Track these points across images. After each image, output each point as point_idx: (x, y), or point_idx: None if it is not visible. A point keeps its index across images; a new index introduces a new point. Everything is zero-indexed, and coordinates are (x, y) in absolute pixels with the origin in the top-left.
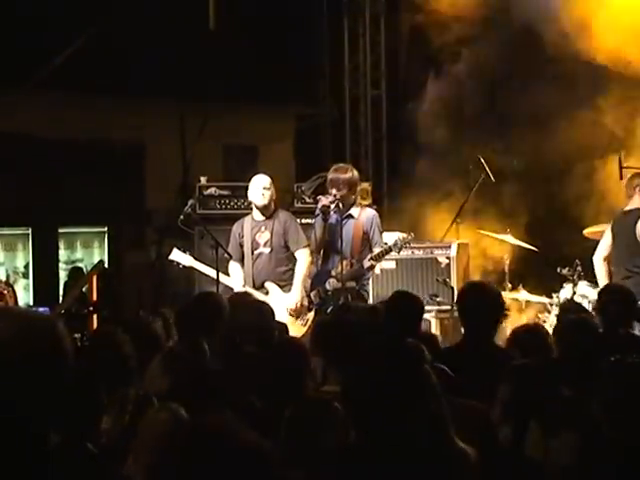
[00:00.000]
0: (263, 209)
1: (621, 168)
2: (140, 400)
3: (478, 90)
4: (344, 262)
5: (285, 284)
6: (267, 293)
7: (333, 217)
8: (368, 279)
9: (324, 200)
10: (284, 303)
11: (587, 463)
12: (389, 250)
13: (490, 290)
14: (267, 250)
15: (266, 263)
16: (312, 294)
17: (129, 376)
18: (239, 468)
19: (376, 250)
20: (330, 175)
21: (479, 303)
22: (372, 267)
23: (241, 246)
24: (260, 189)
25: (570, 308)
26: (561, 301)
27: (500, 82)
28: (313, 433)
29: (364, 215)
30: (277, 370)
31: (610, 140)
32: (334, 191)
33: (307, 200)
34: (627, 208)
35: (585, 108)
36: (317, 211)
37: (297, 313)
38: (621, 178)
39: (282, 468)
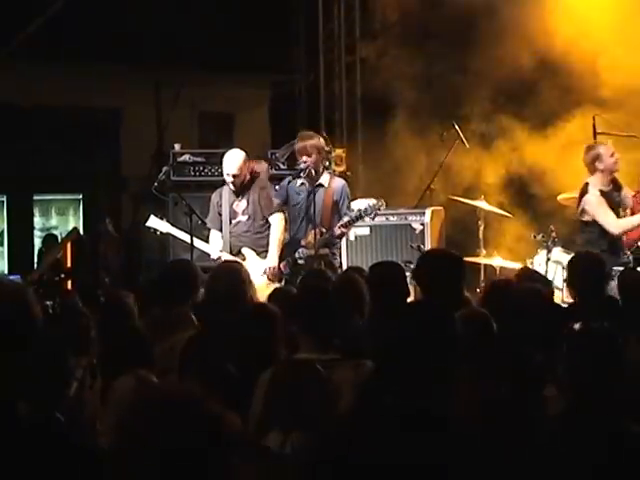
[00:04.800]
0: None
1: (595, 134)
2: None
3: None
4: (314, 231)
5: (262, 250)
6: (244, 259)
7: (302, 186)
8: (339, 247)
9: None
10: (261, 268)
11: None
12: (359, 217)
13: (449, 257)
14: (245, 218)
15: (244, 231)
16: (282, 264)
17: (90, 345)
18: (199, 435)
19: (345, 218)
20: (297, 144)
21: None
22: (342, 235)
23: (220, 215)
24: (228, 176)
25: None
26: (534, 267)
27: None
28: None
29: (334, 184)
30: (247, 336)
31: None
32: (305, 158)
33: (281, 167)
34: None
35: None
36: (290, 178)
37: (275, 277)
38: None
39: (245, 437)
